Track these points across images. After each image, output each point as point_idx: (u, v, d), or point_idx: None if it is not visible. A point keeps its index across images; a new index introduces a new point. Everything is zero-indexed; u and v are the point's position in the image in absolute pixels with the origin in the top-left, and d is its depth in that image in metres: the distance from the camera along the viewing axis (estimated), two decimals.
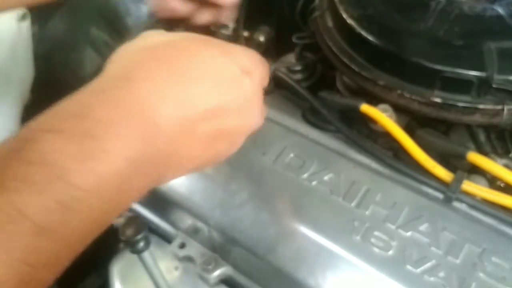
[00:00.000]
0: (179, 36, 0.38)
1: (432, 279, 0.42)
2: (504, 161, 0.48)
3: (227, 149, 0.39)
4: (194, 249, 0.54)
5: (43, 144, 0.28)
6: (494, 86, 0.46)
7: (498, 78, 0.46)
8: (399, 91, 0.50)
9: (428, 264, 0.43)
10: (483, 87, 0.46)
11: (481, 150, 0.50)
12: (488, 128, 0.52)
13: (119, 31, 0.90)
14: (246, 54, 0.39)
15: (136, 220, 0.50)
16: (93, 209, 0.28)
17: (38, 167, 0.27)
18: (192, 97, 0.34)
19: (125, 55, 0.35)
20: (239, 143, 0.40)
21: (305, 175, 0.50)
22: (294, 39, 0.65)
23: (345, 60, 0.54)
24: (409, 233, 0.45)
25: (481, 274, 0.42)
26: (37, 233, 0.26)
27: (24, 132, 0.29)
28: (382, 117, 0.49)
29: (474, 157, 0.47)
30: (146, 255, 0.49)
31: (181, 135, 0.33)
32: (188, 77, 0.34)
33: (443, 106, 0.48)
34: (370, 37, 0.51)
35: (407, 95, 0.49)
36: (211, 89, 0.35)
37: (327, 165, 0.51)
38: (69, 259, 0.29)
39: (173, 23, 0.58)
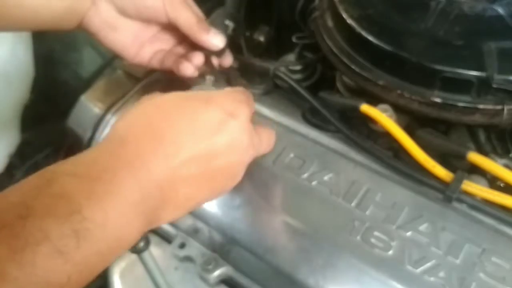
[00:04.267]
0: (166, 97, 0.43)
1: (432, 279, 0.42)
2: (504, 161, 0.48)
3: (224, 185, 0.44)
4: (194, 249, 0.54)
5: (62, 183, 0.34)
6: (494, 86, 0.46)
7: (498, 78, 0.46)
8: (399, 91, 0.50)
9: (428, 264, 0.43)
10: (483, 87, 0.46)
11: (481, 150, 0.50)
12: (488, 128, 0.52)
13: None
14: (229, 97, 0.44)
15: None
16: (100, 240, 0.33)
17: (59, 199, 0.32)
18: (177, 148, 0.39)
19: (122, 122, 0.41)
20: (236, 176, 0.44)
21: (305, 175, 0.50)
22: (294, 39, 0.65)
23: (345, 60, 0.54)
24: (409, 233, 0.45)
25: (481, 274, 0.42)
26: (56, 254, 0.31)
27: (44, 173, 0.35)
28: (382, 117, 0.49)
29: (474, 157, 0.47)
30: (146, 255, 0.49)
31: (170, 181, 0.39)
32: (172, 132, 0.40)
33: (443, 106, 0.48)
34: (370, 37, 0.51)
35: (407, 95, 0.49)
36: (196, 138, 0.40)
37: (327, 165, 0.51)
38: (78, 285, 0.33)
39: None
